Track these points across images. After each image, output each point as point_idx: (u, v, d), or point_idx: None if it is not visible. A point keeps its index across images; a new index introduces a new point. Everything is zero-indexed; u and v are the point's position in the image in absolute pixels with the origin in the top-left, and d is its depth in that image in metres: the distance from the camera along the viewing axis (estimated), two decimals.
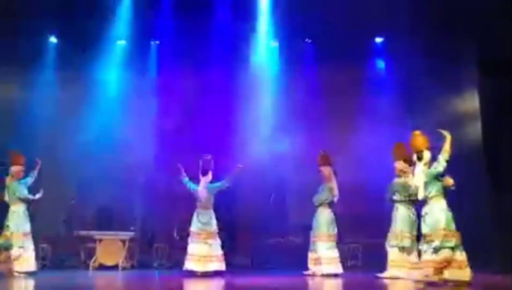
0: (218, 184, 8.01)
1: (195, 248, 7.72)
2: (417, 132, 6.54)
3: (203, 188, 7.97)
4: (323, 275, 7.60)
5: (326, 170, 8.01)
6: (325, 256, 7.73)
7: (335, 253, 7.81)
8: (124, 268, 8.77)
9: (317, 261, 7.78)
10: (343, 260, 9.36)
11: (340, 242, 9.47)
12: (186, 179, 8.04)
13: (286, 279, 7.49)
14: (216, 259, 7.74)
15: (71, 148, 10.07)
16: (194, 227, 7.91)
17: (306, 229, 8.97)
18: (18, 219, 7.63)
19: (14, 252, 7.50)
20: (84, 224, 9.70)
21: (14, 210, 7.66)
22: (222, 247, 7.90)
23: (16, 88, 10.13)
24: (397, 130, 10.27)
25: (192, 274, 7.61)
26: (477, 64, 9.18)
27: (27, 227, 7.70)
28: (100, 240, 8.94)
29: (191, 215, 8.19)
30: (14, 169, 7.82)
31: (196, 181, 8.12)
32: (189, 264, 7.66)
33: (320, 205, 7.95)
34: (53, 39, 10.49)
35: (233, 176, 8.00)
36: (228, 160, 9.39)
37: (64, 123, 10.27)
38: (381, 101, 10.25)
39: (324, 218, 7.88)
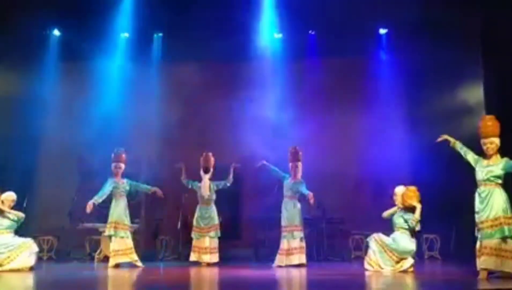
0: (219, 183, 8.51)
1: (198, 241, 8.32)
2: (488, 117, 6.35)
3: (205, 185, 8.37)
4: (289, 266, 7.79)
5: (300, 165, 8.17)
6: (298, 246, 7.96)
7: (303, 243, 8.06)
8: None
9: (289, 251, 7.95)
10: (348, 252, 9.43)
11: (346, 234, 9.54)
12: (186, 180, 8.55)
13: (288, 271, 7.52)
14: (214, 250, 8.30)
15: (75, 141, 10.11)
16: (197, 222, 8.43)
17: (310, 221, 9.01)
18: (121, 211, 7.97)
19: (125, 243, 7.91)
20: (89, 216, 9.74)
21: (116, 203, 8.00)
22: (220, 239, 8.44)
23: (19, 81, 10.11)
24: (401, 121, 10.29)
25: (196, 265, 8.07)
26: (482, 56, 9.13)
27: (127, 219, 8.05)
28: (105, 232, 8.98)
29: (195, 207, 8.45)
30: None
31: (197, 178, 8.48)
32: (194, 256, 8.25)
33: (292, 197, 8.11)
34: (56, 32, 10.50)
35: (231, 176, 8.51)
36: (231, 153, 9.42)
37: (67, 116, 10.31)
38: (385, 93, 10.21)
39: (297, 210, 8.07)
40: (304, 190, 7.90)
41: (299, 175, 8.13)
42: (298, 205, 8.12)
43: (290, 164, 8.20)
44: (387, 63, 10.68)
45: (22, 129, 9.84)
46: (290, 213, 8.05)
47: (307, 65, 10.57)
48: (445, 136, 6.58)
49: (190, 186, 8.58)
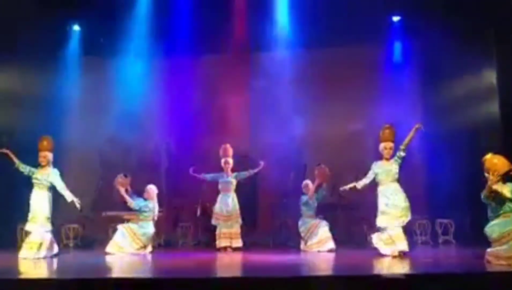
0: (242, 174, 8.84)
1: (222, 228, 8.59)
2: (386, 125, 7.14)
3: (227, 175, 8.72)
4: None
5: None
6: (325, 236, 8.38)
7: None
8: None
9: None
10: (363, 238, 9.58)
11: (361, 220, 9.68)
12: (208, 177, 8.90)
13: (305, 256, 7.75)
14: (238, 236, 8.58)
15: (97, 132, 10.42)
16: (219, 209, 8.70)
17: (326, 207, 9.18)
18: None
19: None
20: (112, 204, 10.07)
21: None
22: (241, 226, 8.70)
23: (41, 75, 10.38)
24: (415, 109, 10.32)
25: (220, 250, 8.40)
26: (495, 41, 9.12)
27: None
28: (128, 220, 9.30)
29: (215, 194, 8.77)
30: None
31: (217, 169, 8.82)
32: (219, 242, 8.52)
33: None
34: (76, 28, 10.78)
35: (255, 170, 8.84)
36: (248, 142, 9.63)
37: (89, 108, 10.60)
38: (398, 81, 10.26)
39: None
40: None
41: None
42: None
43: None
44: (400, 51, 10.69)
45: (44, 122, 10.12)
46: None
47: (319, 54, 10.57)
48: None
49: (214, 180, 8.88)
